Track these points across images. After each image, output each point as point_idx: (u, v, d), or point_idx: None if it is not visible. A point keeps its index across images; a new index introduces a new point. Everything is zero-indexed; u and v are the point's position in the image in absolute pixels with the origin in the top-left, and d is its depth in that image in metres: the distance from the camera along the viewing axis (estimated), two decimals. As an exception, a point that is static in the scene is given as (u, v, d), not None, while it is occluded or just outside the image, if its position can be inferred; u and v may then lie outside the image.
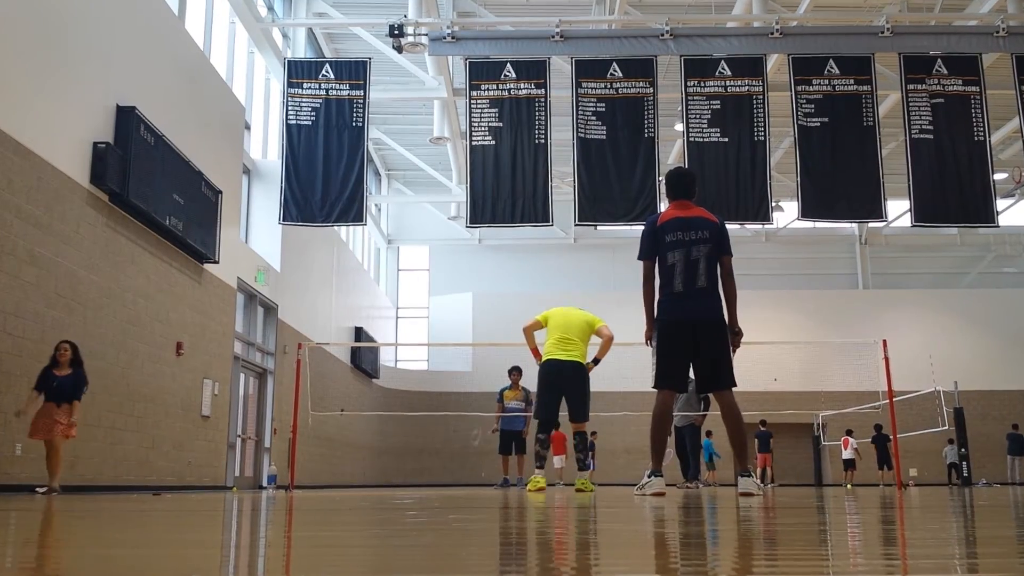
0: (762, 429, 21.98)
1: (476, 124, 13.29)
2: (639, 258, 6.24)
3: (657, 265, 6.16)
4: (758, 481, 6.33)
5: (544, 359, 8.86)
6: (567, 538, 2.57)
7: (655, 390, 6.16)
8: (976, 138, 13.24)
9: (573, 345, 8.81)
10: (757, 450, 21.44)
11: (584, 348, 8.89)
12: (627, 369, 17.60)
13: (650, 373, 6.22)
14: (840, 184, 13.11)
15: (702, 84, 13.38)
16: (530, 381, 14.40)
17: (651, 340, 6.19)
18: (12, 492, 7.94)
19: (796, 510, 4.37)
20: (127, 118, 10.32)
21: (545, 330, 9.17)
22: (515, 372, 14.21)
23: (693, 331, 6.03)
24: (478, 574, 1.67)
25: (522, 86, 13.36)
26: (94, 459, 9.67)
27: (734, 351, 6.23)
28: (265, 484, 15.39)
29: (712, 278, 6.08)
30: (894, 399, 13.31)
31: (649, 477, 6.28)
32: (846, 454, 23.04)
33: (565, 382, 8.68)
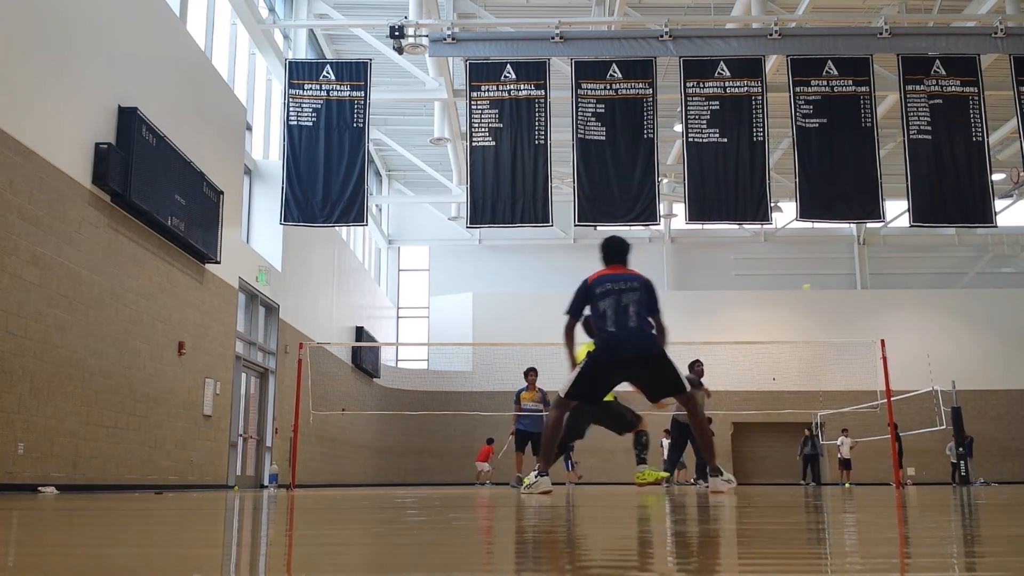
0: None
1: (476, 125, 13.32)
2: (565, 312, 6.75)
3: (591, 316, 6.63)
4: (729, 477, 6.84)
5: None
6: (566, 536, 2.60)
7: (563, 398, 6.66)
8: (974, 138, 13.27)
9: None
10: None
11: None
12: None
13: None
14: (838, 184, 13.14)
15: (701, 85, 13.42)
16: (539, 378, 14.49)
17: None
18: (15, 491, 7.98)
19: (793, 509, 4.42)
20: (129, 119, 10.34)
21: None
22: (531, 373, 14.22)
23: (626, 365, 6.47)
24: (478, 572, 1.71)
25: (522, 87, 13.40)
26: (97, 458, 9.71)
27: None
28: (266, 483, 15.42)
29: (642, 319, 6.52)
30: (892, 399, 13.36)
31: (538, 477, 6.74)
32: (844, 453, 23.06)
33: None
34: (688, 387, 6.58)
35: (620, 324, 6.45)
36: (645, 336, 6.48)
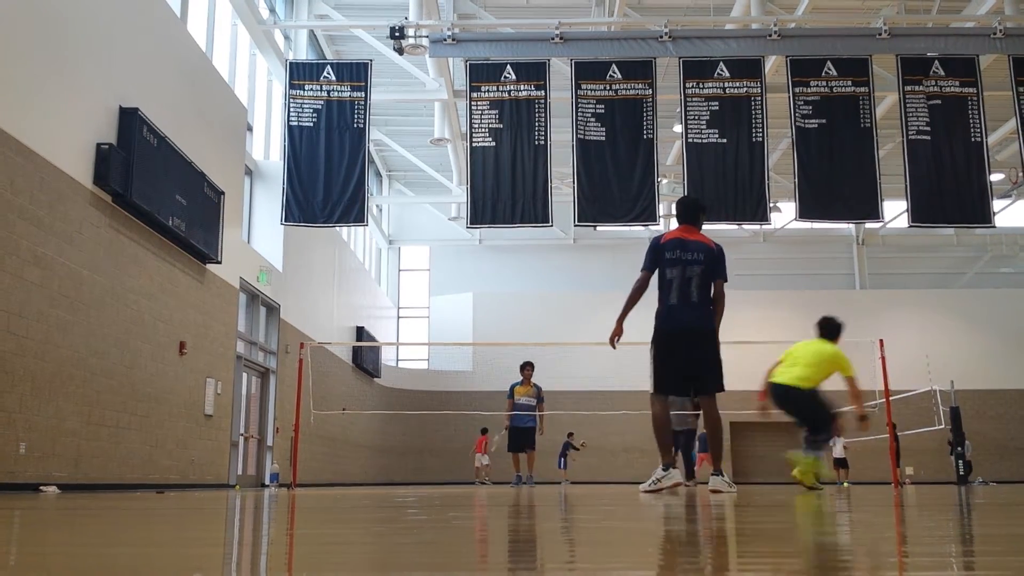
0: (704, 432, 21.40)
1: (476, 125, 13.34)
2: (642, 269, 6.81)
3: (657, 279, 6.77)
4: (727, 479, 6.92)
5: (768, 380, 8.80)
6: (564, 535, 2.62)
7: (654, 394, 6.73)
8: (973, 139, 13.28)
9: (793, 370, 8.66)
10: (698, 450, 20.93)
11: (809, 371, 8.64)
12: (626, 369, 17.63)
13: (649, 376, 6.74)
14: (837, 185, 13.15)
15: (701, 86, 13.43)
16: (540, 378, 14.46)
17: (616, 340, 6.86)
18: (16, 491, 8.00)
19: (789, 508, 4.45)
20: (130, 119, 10.36)
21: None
22: (527, 367, 14.03)
23: (686, 339, 6.63)
24: (478, 571, 1.72)
25: (522, 88, 13.42)
26: (98, 457, 9.73)
27: None
28: (267, 482, 15.45)
29: (703, 295, 6.70)
30: (891, 398, 13.37)
31: (665, 471, 6.72)
32: (836, 452, 22.99)
33: (780, 403, 8.67)
34: (724, 388, 6.75)
35: (682, 297, 6.63)
36: (704, 313, 6.66)
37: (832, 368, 8.79)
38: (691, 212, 7.05)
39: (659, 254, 6.75)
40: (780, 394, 8.65)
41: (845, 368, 8.82)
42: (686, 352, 6.64)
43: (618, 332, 6.85)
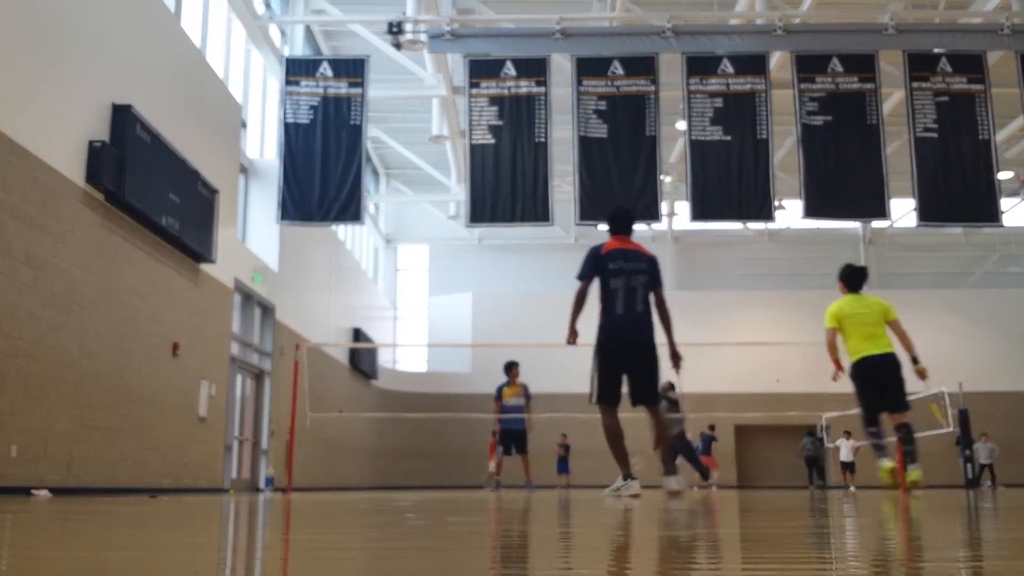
0: (707, 433, 21.40)
1: (476, 122, 13.22)
2: (578, 277, 6.92)
3: (600, 289, 6.87)
4: (681, 479, 6.94)
5: (856, 358, 8.21)
6: (563, 540, 2.53)
7: (596, 404, 6.85)
8: (981, 136, 13.19)
9: (880, 337, 8.16)
10: (701, 451, 20.56)
11: (888, 336, 8.25)
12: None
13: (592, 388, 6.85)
14: (844, 183, 13.04)
15: (704, 82, 13.31)
16: (540, 379, 14.33)
17: (572, 342, 7.00)
18: (8, 494, 7.85)
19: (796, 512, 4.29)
20: (123, 117, 10.23)
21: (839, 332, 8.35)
22: (513, 367, 13.94)
23: (631, 351, 6.76)
24: None
25: (522, 84, 13.29)
26: (90, 460, 9.57)
27: (677, 371, 6.96)
28: (262, 486, 15.30)
29: (647, 305, 6.82)
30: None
31: (624, 481, 6.83)
32: (844, 455, 22.85)
33: (884, 374, 8.11)
34: (660, 403, 6.97)
35: (628, 307, 6.70)
36: (648, 324, 6.75)
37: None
38: (626, 222, 7.11)
39: (601, 264, 6.81)
40: (891, 365, 8.00)
41: (891, 312, 8.24)
42: (631, 365, 6.74)
43: (574, 335, 6.98)
